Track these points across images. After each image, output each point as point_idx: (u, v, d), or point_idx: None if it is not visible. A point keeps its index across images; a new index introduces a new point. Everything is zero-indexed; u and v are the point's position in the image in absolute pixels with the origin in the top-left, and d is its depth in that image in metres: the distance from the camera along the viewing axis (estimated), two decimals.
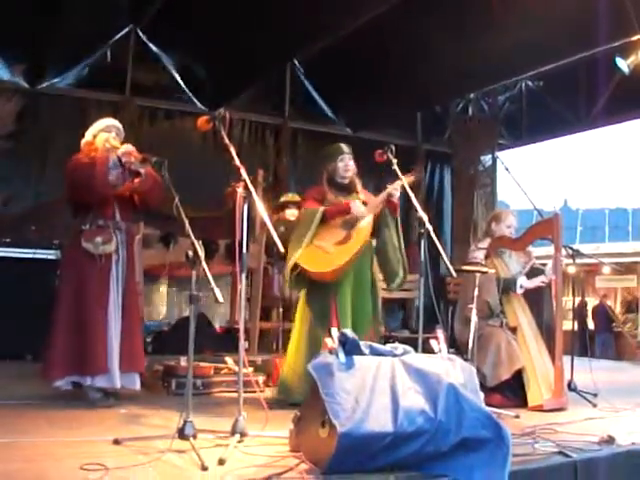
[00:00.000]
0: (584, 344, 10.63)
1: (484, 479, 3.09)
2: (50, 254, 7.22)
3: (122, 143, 5.01)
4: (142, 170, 4.86)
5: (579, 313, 13.53)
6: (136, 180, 4.95)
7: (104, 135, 5.04)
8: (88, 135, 5.11)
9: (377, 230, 5.28)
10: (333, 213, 5.20)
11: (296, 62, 10.28)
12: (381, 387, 3.26)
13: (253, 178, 4.54)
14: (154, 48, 9.36)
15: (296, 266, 5.10)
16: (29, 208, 8.58)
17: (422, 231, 4.57)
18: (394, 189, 5.05)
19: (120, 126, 5.19)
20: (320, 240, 5.13)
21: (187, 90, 9.78)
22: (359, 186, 5.38)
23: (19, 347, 6.96)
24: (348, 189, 5.33)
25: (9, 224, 7.93)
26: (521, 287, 5.62)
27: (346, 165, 5.29)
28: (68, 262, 5.10)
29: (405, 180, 4.92)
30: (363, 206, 5.17)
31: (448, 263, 4.63)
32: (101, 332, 4.79)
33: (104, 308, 4.84)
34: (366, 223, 5.16)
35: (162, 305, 9.58)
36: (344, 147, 5.35)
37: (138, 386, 5.02)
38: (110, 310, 4.85)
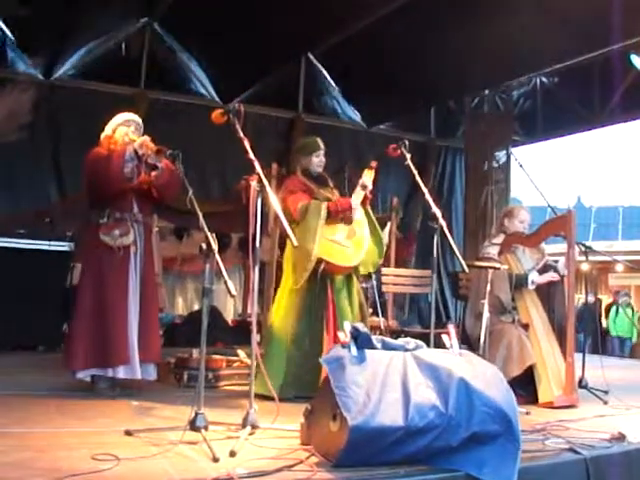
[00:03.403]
0: (596, 342, 10.60)
1: (494, 474, 3.09)
2: (64, 246, 7.23)
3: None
4: (159, 164, 4.86)
5: (592, 310, 13.45)
6: (153, 173, 4.95)
7: (123, 129, 5.03)
8: (108, 129, 5.09)
9: None
10: (337, 210, 5.23)
11: (311, 56, 10.28)
12: (392, 381, 3.26)
13: (267, 172, 4.53)
14: (169, 41, 9.38)
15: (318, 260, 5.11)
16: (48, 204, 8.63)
17: (435, 226, 4.56)
18: (367, 180, 5.22)
19: (139, 121, 5.17)
20: (330, 235, 5.17)
21: (201, 83, 9.80)
22: (329, 180, 5.55)
23: (31, 338, 7.00)
24: (321, 182, 5.46)
25: (26, 218, 7.98)
26: (533, 283, 5.61)
27: (320, 160, 5.44)
28: (87, 255, 5.09)
29: (367, 173, 5.20)
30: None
31: (461, 259, 4.63)
32: (122, 324, 4.80)
33: (124, 299, 4.84)
34: (361, 216, 5.33)
35: (174, 297, 9.60)
36: (320, 143, 5.47)
37: (154, 377, 5.03)
38: (130, 301, 4.86)
